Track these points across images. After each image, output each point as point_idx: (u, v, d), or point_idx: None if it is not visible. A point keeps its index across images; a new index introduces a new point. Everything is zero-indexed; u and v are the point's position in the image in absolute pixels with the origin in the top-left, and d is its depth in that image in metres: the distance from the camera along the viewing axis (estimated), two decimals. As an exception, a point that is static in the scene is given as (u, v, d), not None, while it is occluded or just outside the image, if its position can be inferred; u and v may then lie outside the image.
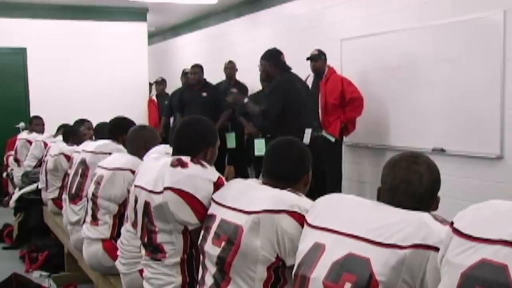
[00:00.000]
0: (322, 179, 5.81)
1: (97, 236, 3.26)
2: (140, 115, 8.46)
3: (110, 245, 3.20)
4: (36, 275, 4.78)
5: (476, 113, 4.90)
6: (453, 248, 1.39)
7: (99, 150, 3.75)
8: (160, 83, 9.36)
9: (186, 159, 2.38)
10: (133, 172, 2.90)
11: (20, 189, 5.95)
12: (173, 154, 2.51)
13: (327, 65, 6.06)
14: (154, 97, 9.37)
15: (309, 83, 6.09)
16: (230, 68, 7.92)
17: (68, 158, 4.52)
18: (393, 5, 5.86)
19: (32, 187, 5.66)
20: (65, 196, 4.17)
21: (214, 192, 2.27)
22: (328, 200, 1.90)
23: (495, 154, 4.79)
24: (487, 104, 4.80)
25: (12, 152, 6.96)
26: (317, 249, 1.71)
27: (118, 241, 2.98)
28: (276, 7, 7.94)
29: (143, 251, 2.51)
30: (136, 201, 2.50)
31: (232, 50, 8.88)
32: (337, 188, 5.93)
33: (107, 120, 4.21)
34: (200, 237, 2.19)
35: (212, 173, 2.36)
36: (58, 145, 4.94)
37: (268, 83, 5.53)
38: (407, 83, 5.60)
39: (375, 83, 5.99)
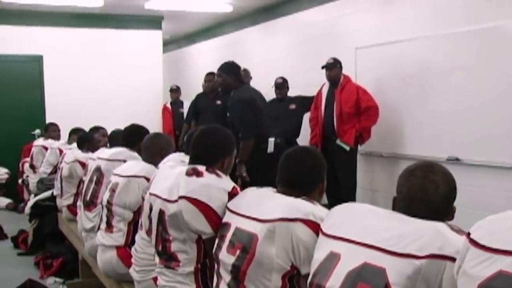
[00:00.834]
0: (336, 188, 5.78)
1: (111, 243, 3.27)
2: (154, 123, 8.48)
3: (124, 252, 3.21)
4: (50, 282, 4.81)
5: (492, 122, 4.86)
6: (470, 259, 1.38)
7: (114, 158, 3.77)
8: (176, 91, 9.39)
9: (201, 168, 2.38)
10: (147, 179, 2.91)
11: (35, 195, 5.99)
12: (190, 162, 2.50)
13: (342, 74, 6.04)
14: (168, 105, 9.40)
15: (324, 91, 6.09)
16: (244, 76, 7.89)
17: (83, 165, 4.54)
18: (408, 14, 5.84)
19: (47, 193, 5.69)
20: (79, 203, 4.18)
21: (228, 201, 2.27)
22: (343, 209, 1.89)
23: (510, 163, 4.74)
24: (502, 113, 4.75)
25: (28, 159, 7.02)
26: (333, 258, 1.70)
27: (132, 249, 2.99)
28: (291, 15, 7.94)
29: (157, 259, 2.51)
30: (151, 209, 2.50)
31: (247, 58, 8.87)
32: (352, 197, 5.89)
33: (122, 128, 4.23)
34: (215, 246, 2.19)
35: (227, 183, 2.35)
36: (73, 152, 4.98)
37: (224, 93, 5.87)
38: (422, 91, 5.57)
39: (390, 92, 5.96)
